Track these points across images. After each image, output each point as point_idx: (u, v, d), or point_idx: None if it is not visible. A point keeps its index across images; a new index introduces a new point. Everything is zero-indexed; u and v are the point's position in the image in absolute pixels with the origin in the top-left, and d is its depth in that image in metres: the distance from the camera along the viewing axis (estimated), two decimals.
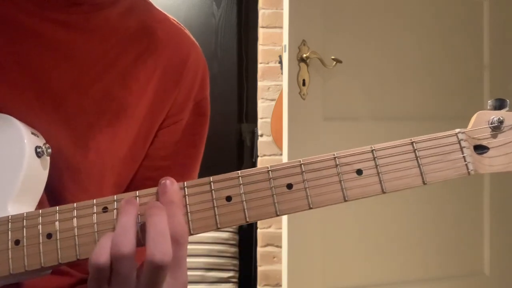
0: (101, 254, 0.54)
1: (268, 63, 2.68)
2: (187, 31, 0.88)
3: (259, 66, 2.70)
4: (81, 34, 0.76)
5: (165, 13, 0.88)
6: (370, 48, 1.96)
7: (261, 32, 2.69)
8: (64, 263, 0.59)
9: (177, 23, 0.88)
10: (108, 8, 0.78)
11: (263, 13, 2.68)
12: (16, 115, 0.69)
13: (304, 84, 1.86)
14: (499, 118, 0.60)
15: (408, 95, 2.02)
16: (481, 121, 0.61)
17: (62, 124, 0.74)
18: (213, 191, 0.59)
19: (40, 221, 0.60)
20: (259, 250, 2.64)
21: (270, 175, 0.59)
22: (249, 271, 2.75)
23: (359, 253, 1.97)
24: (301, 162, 0.59)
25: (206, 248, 2.56)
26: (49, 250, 0.59)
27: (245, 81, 2.94)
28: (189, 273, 2.46)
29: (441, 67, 2.06)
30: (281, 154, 2.49)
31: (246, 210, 0.58)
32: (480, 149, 0.60)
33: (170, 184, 0.58)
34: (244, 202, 0.58)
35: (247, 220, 0.58)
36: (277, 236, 2.51)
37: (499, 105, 0.61)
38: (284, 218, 1.89)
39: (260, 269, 2.63)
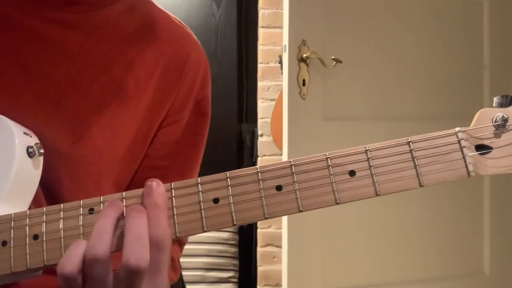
0: (67, 263, 0.53)
1: (268, 63, 2.67)
2: (189, 30, 0.87)
3: (259, 66, 2.69)
4: (81, 33, 0.76)
5: (167, 12, 0.87)
6: (370, 48, 1.95)
7: (261, 32, 2.68)
8: (49, 265, 0.58)
9: (179, 22, 0.87)
10: (107, 7, 0.78)
11: (263, 13, 2.67)
12: (13, 114, 0.69)
13: (304, 84, 1.85)
14: (503, 116, 0.56)
15: (408, 95, 2.01)
16: (484, 119, 0.57)
17: (60, 123, 0.74)
18: (200, 192, 0.57)
19: (27, 222, 0.59)
20: (259, 250, 2.63)
21: (259, 176, 0.56)
22: (249, 271, 2.74)
23: (359, 253, 1.97)
24: (292, 163, 0.56)
25: (206, 248, 2.56)
26: (35, 251, 0.58)
27: (245, 81, 2.93)
28: (189, 273, 2.48)
29: (441, 67, 2.05)
30: (281, 154, 2.48)
31: (233, 213, 0.56)
32: (482, 149, 0.56)
33: (156, 186, 0.56)
34: (232, 204, 0.56)
35: (234, 223, 0.56)
36: (277, 236, 2.50)
37: (506, 102, 0.57)
38: (284, 218, 1.89)
39: (260, 269, 2.63)
